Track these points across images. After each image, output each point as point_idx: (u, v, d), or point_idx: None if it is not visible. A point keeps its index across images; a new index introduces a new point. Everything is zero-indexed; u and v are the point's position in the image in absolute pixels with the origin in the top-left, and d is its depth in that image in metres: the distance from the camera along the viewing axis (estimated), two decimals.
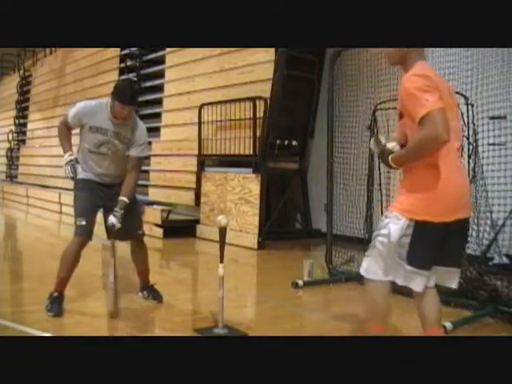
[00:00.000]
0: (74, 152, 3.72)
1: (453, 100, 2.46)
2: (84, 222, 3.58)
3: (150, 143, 9.04)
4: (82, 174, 3.72)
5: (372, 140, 2.54)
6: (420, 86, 2.25)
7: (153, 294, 4.00)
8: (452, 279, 2.53)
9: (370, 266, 2.47)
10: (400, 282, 2.43)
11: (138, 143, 3.68)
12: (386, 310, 2.60)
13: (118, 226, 3.52)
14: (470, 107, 4.17)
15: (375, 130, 4.93)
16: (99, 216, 3.74)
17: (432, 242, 2.36)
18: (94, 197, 3.68)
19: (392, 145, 2.43)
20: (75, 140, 3.78)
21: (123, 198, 3.58)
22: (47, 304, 3.56)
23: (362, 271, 2.51)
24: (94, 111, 3.61)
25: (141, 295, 4.03)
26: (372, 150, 2.59)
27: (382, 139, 2.47)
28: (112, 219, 3.53)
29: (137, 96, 3.72)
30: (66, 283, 3.65)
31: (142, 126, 3.75)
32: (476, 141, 4.22)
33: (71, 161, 3.63)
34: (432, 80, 2.28)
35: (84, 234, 3.60)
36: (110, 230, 3.59)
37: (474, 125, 4.19)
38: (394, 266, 2.40)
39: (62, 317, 3.51)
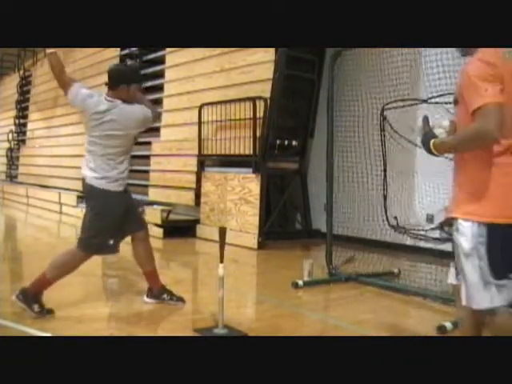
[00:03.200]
0: None
1: None
2: (111, 242, 3.54)
3: (149, 143, 9.08)
4: (106, 186, 3.55)
5: (421, 119, 2.31)
6: (482, 74, 2.04)
7: (174, 296, 3.94)
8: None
9: (471, 294, 2.12)
10: (486, 303, 2.10)
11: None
12: None
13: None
14: None
15: (384, 129, 4.93)
16: None
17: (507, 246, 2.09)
18: (123, 210, 3.61)
19: (439, 131, 2.23)
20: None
21: None
22: (39, 310, 3.48)
23: (464, 302, 2.16)
24: (97, 103, 3.57)
25: (159, 299, 3.92)
26: (418, 130, 2.34)
27: (431, 123, 2.26)
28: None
29: None
30: (49, 286, 3.57)
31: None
32: None
33: None
34: (497, 69, 2.05)
35: (93, 253, 3.57)
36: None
37: None
38: (478, 286, 2.09)
39: (62, 317, 3.51)
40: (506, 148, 2.10)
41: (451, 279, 2.26)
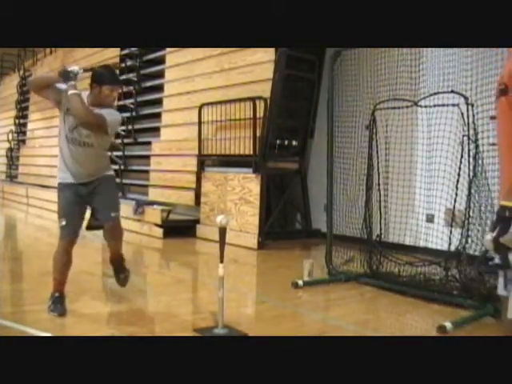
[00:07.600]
0: None
1: None
2: (64, 223, 3.56)
3: (149, 143, 9.08)
4: (60, 178, 3.70)
5: None
6: None
7: (117, 275, 4.00)
8: None
9: None
10: None
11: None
12: None
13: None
14: (470, 107, 4.17)
15: (374, 130, 4.93)
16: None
17: None
18: (73, 196, 3.64)
19: None
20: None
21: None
22: (49, 304, 3.55)
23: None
24: None
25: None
26: None
27: None
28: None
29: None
30: (63, 284, 3.65)
31: (115, 111, 3.69)
32: (476, 141, 4.22)
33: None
34: None
35: (67, 236, 3.58)
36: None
37: (474, 125, 4.19)
38: None
39: (62, 316, 3.51)
40: None
41: (500, 290, 2.15)
